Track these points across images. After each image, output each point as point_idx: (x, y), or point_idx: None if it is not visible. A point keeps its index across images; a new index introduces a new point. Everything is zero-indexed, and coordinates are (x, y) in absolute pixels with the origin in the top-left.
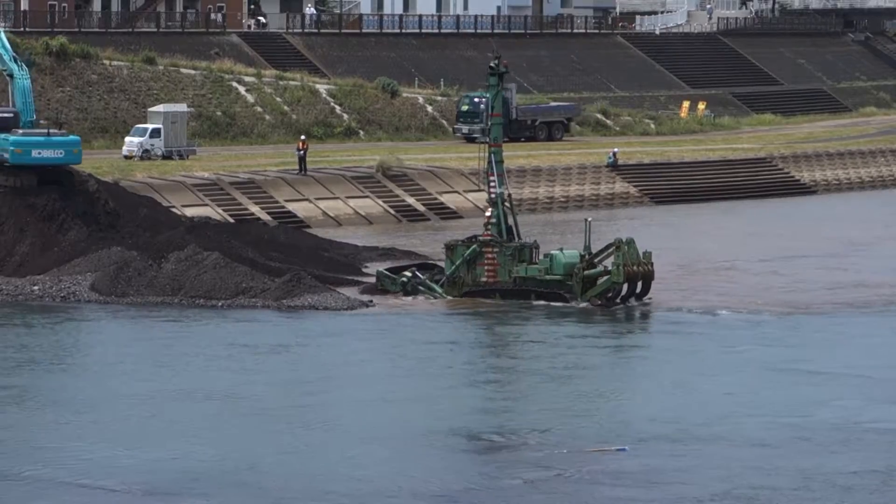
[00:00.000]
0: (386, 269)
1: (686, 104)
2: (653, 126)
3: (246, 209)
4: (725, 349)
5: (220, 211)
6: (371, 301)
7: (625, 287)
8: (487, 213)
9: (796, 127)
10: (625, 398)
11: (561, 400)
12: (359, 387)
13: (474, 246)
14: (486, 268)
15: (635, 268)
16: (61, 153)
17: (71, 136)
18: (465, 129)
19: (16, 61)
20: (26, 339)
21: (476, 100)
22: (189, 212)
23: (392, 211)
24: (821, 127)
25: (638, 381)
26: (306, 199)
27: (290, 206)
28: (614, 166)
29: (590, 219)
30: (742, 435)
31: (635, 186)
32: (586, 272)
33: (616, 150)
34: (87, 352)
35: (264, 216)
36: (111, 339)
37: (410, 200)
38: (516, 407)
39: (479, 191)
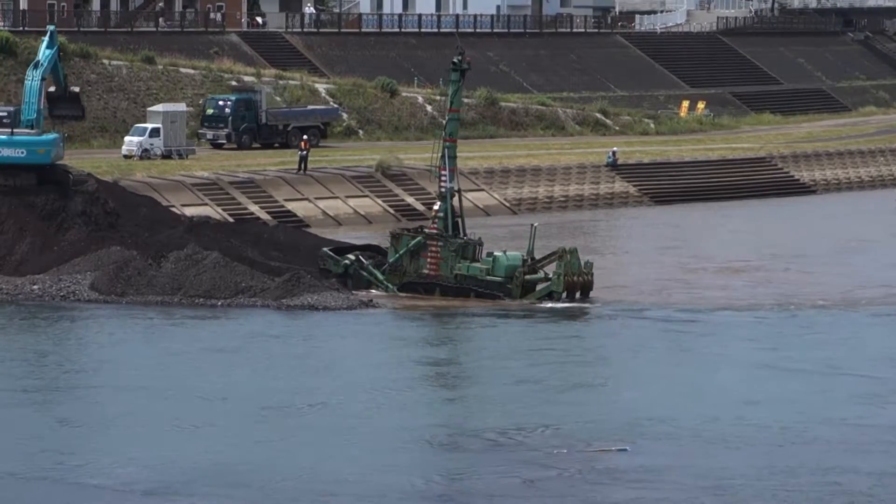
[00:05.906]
0: (330, 250)
1: (685, 104)
2: (652, 125)
3: (245, 209)
4: (724, 348)
5: (220, 210)
6: (371, 301)
7: (563, 295)
8: (435, 207)
9: (796, 126)
10: (624, 398)
11: (560, 400)
12: (357, 387)
13: (419, 238)
14: (428, 260)
15: (575, 278)
16: (23, 153)
17: (46, 136)
18: (209, 134)
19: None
20: (25, 338)
21: (221, 103)
22: (189, 211)
23: (391, 210)
24: (820, 126)
25: (637, 381)
26: (306, 199)
27: (290, 206)
28: (614, 166)
29: (536, 224)
30: (743, 434)
31: (635, 186)
32: (527, 276)
33: (616, 149)
34: (85, 351)
35: (264, 216)
36: (110, 338)
37: (410, 200)
38: (515, 406)
39: (479, 190)
